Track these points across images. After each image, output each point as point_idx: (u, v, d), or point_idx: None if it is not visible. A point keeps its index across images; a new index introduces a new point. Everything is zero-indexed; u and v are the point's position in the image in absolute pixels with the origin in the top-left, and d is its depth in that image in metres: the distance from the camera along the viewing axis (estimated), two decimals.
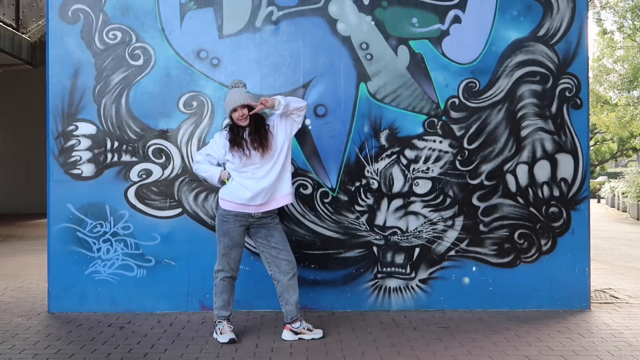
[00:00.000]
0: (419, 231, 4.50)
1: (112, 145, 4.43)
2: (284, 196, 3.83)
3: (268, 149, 3.74)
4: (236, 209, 3.73)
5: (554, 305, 4.52)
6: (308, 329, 3.81)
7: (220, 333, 3.73)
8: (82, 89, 4.41)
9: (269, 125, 3.81)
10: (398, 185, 4.49)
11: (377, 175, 4.48)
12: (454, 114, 4.50)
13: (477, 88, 4.50)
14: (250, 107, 3.76)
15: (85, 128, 4.42)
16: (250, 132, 3.75)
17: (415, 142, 4.49)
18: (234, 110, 3.74)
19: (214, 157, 3.87)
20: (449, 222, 4.51)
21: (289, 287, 3.79)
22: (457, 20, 4.49)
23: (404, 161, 4.48)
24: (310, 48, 4.45)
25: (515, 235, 4.53)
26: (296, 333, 3.78)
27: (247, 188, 3.70)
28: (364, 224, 4.48)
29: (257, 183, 3.71)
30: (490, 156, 4.52)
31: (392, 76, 4.47)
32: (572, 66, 4.53)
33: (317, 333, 3.81)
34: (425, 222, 4.50)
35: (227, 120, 3.91)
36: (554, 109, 4.54)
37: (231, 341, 3.67)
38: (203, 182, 4.43)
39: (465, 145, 4.51)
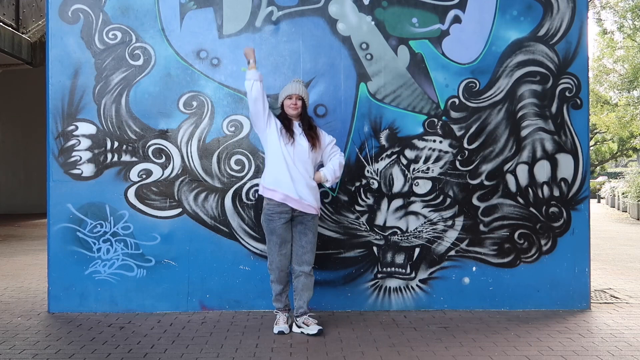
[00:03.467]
0: (419, 231, 4.50)
1: (112, 145, 4.43)
2: (317, 200, 3.99)
3: (319, 145, 3.98)
4: (280, 199, 3.85)
5: (554, 305, 4.52)
6: (304, 323, 3.92)
7: (276, 323, 3.96)
8: (82, 89, 4.41)
9: (317, 128, 4.10)
10: (398, 185, 4.49)
11: (377, 175, 4.48)
12: (454, 114, 4.50)
13: (477, 88, 4.50)
14: (303, 102, 3.99)
15: (85, 128, 4.42)
16: (303, 126, 3.97)
17: (415, 142, 4.49)
18: (289, 97, 3.94)
19: (267, 107, 3.95)
20: (449, 222, 4.51)
21: (304, 285, 3.96)
22: (457, 20, 4.49)
23: (404, 161, 4.48)
24: (310, 48, 4.45)
25: (516, 235, 4.53)
26: (299, 327, 3.94)
27: (293, 181, 3.85)
28: (364, 224, 4.48)
29: (302, 178, 3.88)
30: (490, 156, 4.52)
31: (392, 76, 4.47)
32: (572, 66, 4.53)
33: (311, 329, 3.87)
34: (425, 222, 4.50)
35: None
36: (554, 109, 4.54)
37: (279, 333, 3.87)
38: (203, 182, 4.44)
39: (465, 145, 4.51)
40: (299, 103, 3.96)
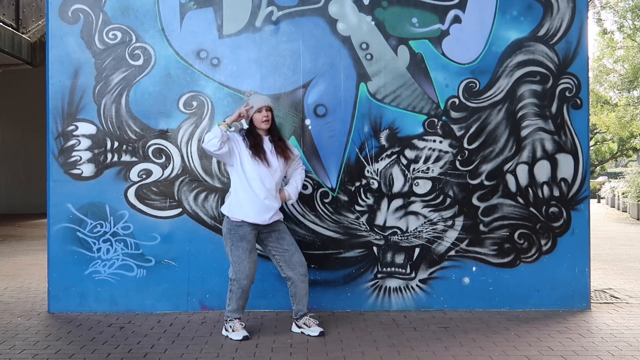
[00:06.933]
0: (419, 231, 4.50)
1: (112, 145, 4.43)
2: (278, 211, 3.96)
3: (290, 157, 3.93)
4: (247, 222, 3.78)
5: (554, 305, 4.52)
6: (305, 324, 3.89)
7: (233, 331, 3.78)
8: (82, 89, 4.41)
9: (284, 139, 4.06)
10: (398, 185, 4.49)
11: (377, 175, 4.48)
12: (454, 114, 4.50)
13: (477, 88, 4.50)
14: (272, 113, 3.89)
15: (85, 128, 4.42)
16: (273, 139, 3.88)
17: (415, 142, 4.49)
18: (259, 111, 3.80)
19: (231, 140, 3.76)
20: (449, 222, 4.51)
21: (302, 288, 3.88)
22: (457, 20, 4.49)
23: (404, 161, 4.48)
24: (310, 48, 4.45)
25: (515, 235, 4.53)
26: (299, 327, 3.91)
27: (264, 208, 3.77)
28: (364, 224, 4.48)
29: (272, 201, 3.81)
30: (490, 156, 4.52)
31: (392, 76, 4.47)
32: (572, 66, 4.53)
33: (313, 331, 3.85)
34: (425, 222, 4.50)
35: (243, 126, 4.02)
36: (554, 109, 4.54)
37: (245, 338, 3.72)
38: (203, 182, 4.44)
39: (465, 145, 4.51)
40: (270, 115, 3.85)
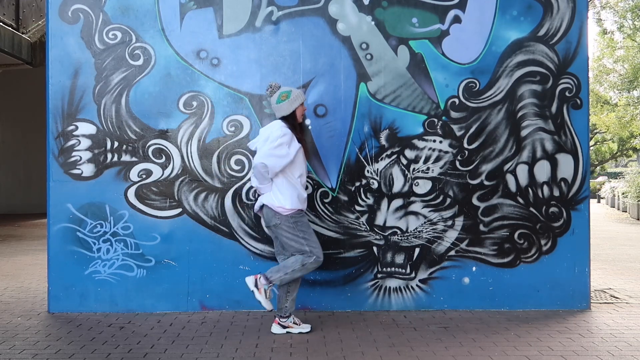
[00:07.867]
0: (419, 231, 4.50)
1: (112, 145, 4.43)
2: None
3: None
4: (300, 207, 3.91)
5: (554, 305, 4.52)
6: (295, 323, 3.93)
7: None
8: (82, 89, 4.41)
9: None
10: (398, 185, 4.49)
11: (377, 175, 4.48)
12: (454, 114, 4.50)
13: (477, 88, 4.50)
14: None
15: (85, 128, 4.42)
16: (301, 132, 4.01)
17: (415, 142, 4.49)
18: (302, 104, 3.95)
19: (288, 160, 3.80)
20: (449, 222, 4.51)
21: (297, 283, 3.95)
22: (457, 20, 4.49)
23: (404, 161, 4.48)
24: (310, 48, 4.45)
25: (515, 235, 4.53)
26: (284, 327, 3.91)
27: (303, 192, 3.92)
28: (364, 224, 4.48)
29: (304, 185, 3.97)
30: (490, 156, 4.52)
31: (392, 76, 4.47)
32: (572, 66, 4.53)
33: (305, 327, 3.93)
34: (425, 222, 4.50)
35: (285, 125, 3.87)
36: (554, 109, 4.54)
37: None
38: (203, 182, 4.44)
39: (465, 145, 4.51)
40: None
